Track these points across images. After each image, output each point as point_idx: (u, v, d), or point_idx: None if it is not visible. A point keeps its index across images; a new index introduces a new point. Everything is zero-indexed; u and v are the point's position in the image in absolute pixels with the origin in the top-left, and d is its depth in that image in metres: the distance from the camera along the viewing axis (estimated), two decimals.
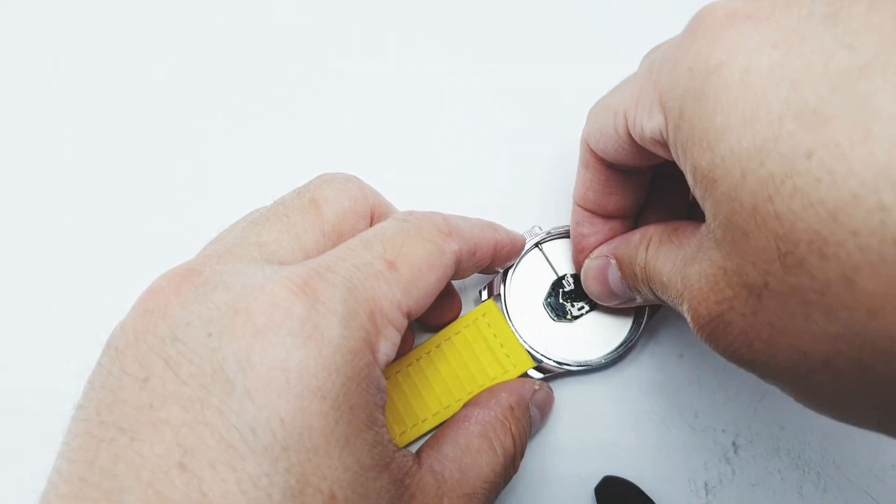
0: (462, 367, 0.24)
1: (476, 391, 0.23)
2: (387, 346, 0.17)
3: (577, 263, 0.24)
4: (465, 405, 0.22)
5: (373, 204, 0.20)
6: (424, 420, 0.23)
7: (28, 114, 0.30)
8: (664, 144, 0.17)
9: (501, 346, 0.24)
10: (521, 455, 0.22)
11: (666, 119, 0.16)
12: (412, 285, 0.18)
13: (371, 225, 0.20)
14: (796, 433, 0.25)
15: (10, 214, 0.29)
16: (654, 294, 0.20)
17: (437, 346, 0.24)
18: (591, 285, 0.23)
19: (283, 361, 0.15)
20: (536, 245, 0.26)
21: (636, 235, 0.21)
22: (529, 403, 0.23)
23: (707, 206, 0.16)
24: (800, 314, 0.14)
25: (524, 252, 0.26)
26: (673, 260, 0.18)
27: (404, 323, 0.17)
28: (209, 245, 0.19)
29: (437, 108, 0.30)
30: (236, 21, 0.32)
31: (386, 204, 0.21)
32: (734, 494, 0.24)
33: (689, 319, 0.17)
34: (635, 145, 0.19)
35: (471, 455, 0.20)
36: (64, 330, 0.27)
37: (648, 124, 0.17)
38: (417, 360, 0.24)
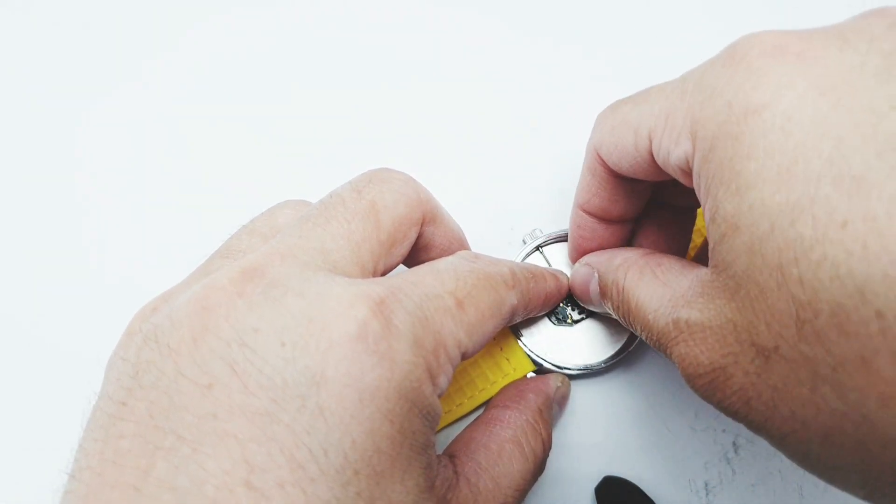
0: (462, 372, 0.24)
1: (476, 395, 0.23)
2: (443, 381, 0.17)
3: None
4: (492, 405, 0.22)
5: (425, 209, 0.20)
6: None
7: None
8: (689, 173, 0.17)
9: (501, 349, 0.24)
10: (548, 456, 0.22)
11: (695, 150, 0.16)
12: (474, 328, 0.17)
13: (421, 228, 0.20)
14: None
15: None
16: (628, 323, 0.20)
17: None
18: (575, 288, 0.23)
19: (358, 379, 0.14)
20: (537, 248, 0.26)
21: (618, 258, 0.21)
22: (552, 402, 0.23)
23: (721, 252, 0.15)
24: (807, 384, 0.13)
25: (526, 255, 0.26)
26: (658, 298, 0.18)
27: (459, 362, 0.17)
28: (244, 235, 0.19)
29: (439, 110, 0.30)
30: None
31: (437, 207, 0.21)
32: (734, 494, 0.24)
33: (678, 365, 0.17)
34: (655, 165, 0.18)
35: (503, 463, 0.19)
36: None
37: (675, 151, 0.17)
38: None
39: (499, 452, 0.20)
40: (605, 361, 0.24)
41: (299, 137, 0.30)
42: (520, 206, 0.28)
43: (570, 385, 0.24)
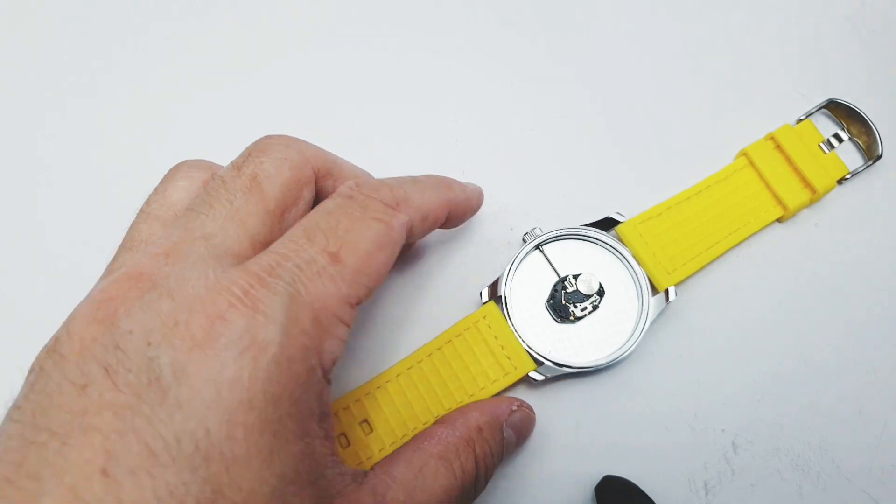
0: (463, 370, 0.24)
1: (478, 394, 0.23)
2: (334, 344, 0.17)
3: None
4: (435, 422, 0.22)
5: (316, 166, 0.20)
6: (426, 422, 0.23)
7: None
8: None
9: (502, 348, 0.24)
10: (487, 477, 0.21)
11: None
12: (359, 274, 0.17)
13: (317, 187, 0.20)
14: (796, 433, 0.25)
15: None
16: None
17: (438, 349, 0.24)
18: None
19: (217, 374, 0.15)
20: (537, 247, 0.26)
21: None
22: (504, 425, 0.22)
23: None
24: None
25: (525, 253, 0.26)
26: None
27: (353, 313, 0.18)
28: (142, 224, 0.19)
29: (438, 110, 0.30)
30: None
31: (331, 160, 0.21)
32: (734, 494, 0.24)
33: None
34: None
35: (423, 477, 0.19)
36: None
37: None
38: (418, 362, 0.24)
39: (420, 467, 0.20)
40: (607, 359, 0.24)
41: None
42: (520, 206, 0.28)
43: (531, 413, 0.24)
